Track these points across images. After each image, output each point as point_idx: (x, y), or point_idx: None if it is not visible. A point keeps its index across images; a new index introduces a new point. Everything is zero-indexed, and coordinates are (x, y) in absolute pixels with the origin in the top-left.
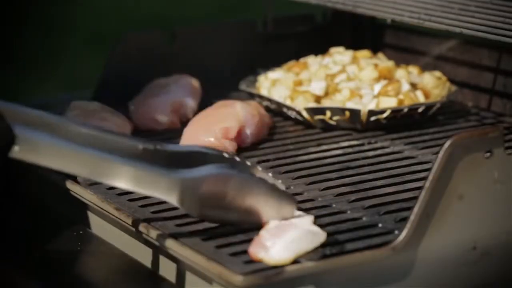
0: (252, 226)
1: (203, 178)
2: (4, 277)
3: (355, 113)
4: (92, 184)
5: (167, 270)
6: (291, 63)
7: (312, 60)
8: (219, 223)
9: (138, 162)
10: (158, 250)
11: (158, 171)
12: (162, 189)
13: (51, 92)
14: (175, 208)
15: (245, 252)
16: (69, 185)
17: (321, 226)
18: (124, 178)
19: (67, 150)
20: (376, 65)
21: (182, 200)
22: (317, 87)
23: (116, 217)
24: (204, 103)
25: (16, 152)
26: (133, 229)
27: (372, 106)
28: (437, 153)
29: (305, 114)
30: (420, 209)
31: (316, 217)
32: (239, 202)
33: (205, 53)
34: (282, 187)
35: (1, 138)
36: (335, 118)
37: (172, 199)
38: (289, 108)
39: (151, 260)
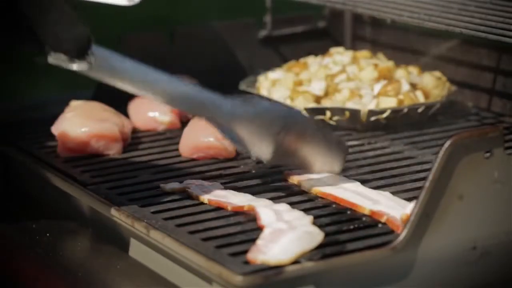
0: (300, 169)
1: (266, 108)
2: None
3: (355, 113)
4: (92, 184)
5: (167, 270)
6: (291, 63)
7: (312, 60)
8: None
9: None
10: (158, 250)
11: (225, 99)
12: (224, 116)
13: (51, 92)
14: (175, 208)
15: (245, 252)
16: (69, 186)
17: (321, 226)
18: (189, 102)
19: (135, 70)
20: (376, 65)
21: (239, 128)
22: (317, 87)
23: (116, 217)
24: None
25: (93, 66)
26: (133, 229)
27: (372, 106)
28: (437, 153)
29: (305, 114)
30: (420, 209)
31: (316, 217)
32: (297, 143)
33: (205, 53)
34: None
35: (80, 40)
36: (335, 118)
37: (231, 126)
38: None
39: (151, 260)
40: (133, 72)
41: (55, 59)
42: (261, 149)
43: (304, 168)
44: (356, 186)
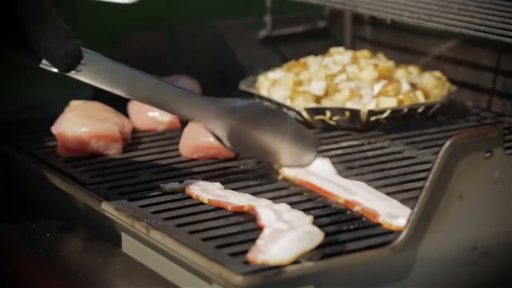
0: (268, 165)
1: (240, 105)
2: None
3: (355, 113)
4: (92, 184)
5: (167, 270)
6: (291, 63)
7: (312, 60)
8: (243, 153)
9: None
10: (158, 250)
11: (200, 97)
12: (201, 113)
13: (51, 92)
14: (175, 208)
15: (245, 252)
16: (69, 186)
17: (321, 226)
18: (171, 102)
19: (127, 75)
20: (376, 65)
21: (215, 125)
22: (317, 87)
23: (116, 217)
24: None
25: (81, 71)
26: (133, 229)
27: (372, 106)
28: (437, 153)
29: (305, 114)
30: (419, 209)
31: (316, 217)
32: (266, 136)
33: (205, 53)
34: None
35: (71, 56)
36: (335, 118)
37: (208, 123)
38: (289, 108)
39: (151, 260)
40: (122, 77)
41: (46, 65)
42: (226, 138)
43: (272, 160)
44: (330, 173)
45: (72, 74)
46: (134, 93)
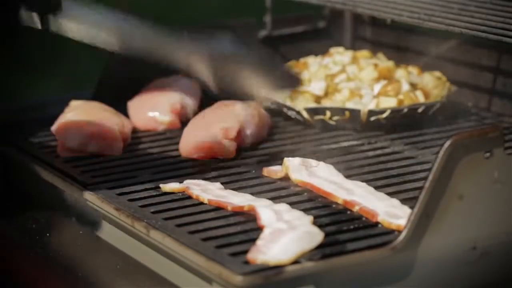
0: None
1: (220, 40)
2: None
3: (355, 113)
4: (92, 184)
5: (167, 270)
6: (291, 63)
7: (312, 60)
8: (226, 89)
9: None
10: (158, 250)
11: (178, 38)
12: (182, 55)
13: (51, 92)
14: (175, 208)
15: (245, 252)
16: (69, 186)
17: (321, 226)
18: (150, 46)
19: (111, 21)
20: (376, 65)
21: (197, 65)
22: (317, 87)
23: (116, 217)
24: (204, 103)
25: (58, 22)
26: (133, 229)
27: (372, 106)
28: (437, 153)
29: (305, 114)
30: (419, 209)
31: (316, 217)
32: (242, 67)
33: None
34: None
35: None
36: (335, 118)
37: (189, 64)
38: (289, 108)
39: (151, 260)
40: (104, 24)
41: (28, 18)
42: (208, 78)
43: (251, 92)
44: (333, 175)
45: (54, 28)
46: (116, 44)
